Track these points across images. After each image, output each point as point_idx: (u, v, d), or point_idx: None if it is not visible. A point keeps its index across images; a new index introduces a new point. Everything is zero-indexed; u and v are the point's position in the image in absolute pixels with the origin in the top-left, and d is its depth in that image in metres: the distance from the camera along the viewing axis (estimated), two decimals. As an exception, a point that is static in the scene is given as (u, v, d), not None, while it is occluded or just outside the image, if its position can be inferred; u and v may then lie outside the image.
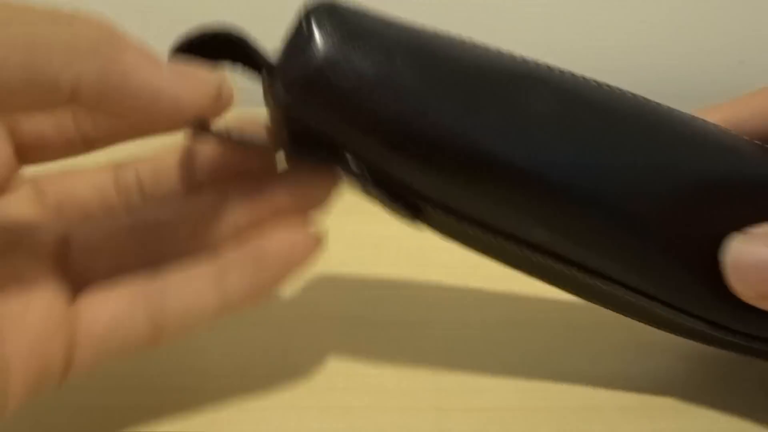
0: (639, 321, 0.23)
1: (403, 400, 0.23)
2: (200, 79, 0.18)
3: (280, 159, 0.22)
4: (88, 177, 0.22)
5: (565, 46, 0.50)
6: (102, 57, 0.16)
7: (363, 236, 0.31)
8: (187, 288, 0.20)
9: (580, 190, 0.20)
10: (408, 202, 0.21)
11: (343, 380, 0.24)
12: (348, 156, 0.20)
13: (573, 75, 0.21)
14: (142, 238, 0.21)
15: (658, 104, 0.22)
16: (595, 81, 0.22)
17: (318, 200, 0.21)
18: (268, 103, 0.21)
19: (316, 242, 0.21)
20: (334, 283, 0.29)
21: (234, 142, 0.21)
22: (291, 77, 0.19)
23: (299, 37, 0.20)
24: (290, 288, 0.29)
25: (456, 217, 0.21)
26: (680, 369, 0.25)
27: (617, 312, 0.23)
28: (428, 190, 0.21)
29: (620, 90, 0.22)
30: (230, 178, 0.22)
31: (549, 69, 0.21)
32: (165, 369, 0.24)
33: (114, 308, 0.19)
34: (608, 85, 0.22)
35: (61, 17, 0.16)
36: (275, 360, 0.25)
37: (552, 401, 0.24)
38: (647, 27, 0.50)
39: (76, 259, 0.20)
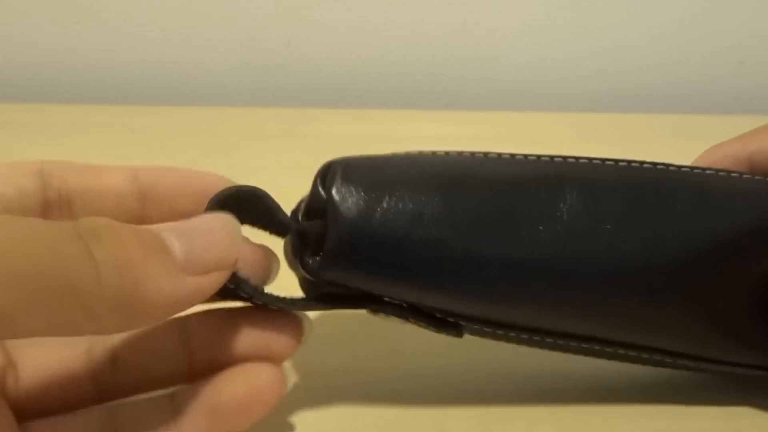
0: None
1: (403, 401, 0.23)
2: (221, 257, 0.17)
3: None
4: (12, 176, 0.19)
5: (565, 46, 0.50)
6: (124, 309, 0.15)
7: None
8: None
9: (622, 280, 0.20)
10: (449, 323, 0.21)
11: (343, 380, 0.24)
12: (384, 298, 0.21)
13: (589, 162, 0.21)
14: (95, 367, 0.19)
15: (677, 169, 0.22)
16: (611, 161, 0.21)
17: (283, 353, 0.20)
18: (293, 265, 0.21)
19: (279, 386, 0.20)
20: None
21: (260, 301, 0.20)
22: (321, 246, 0.19)
23: (320, 202, 0.19)
24: (290, 288, 0.29)
25: (498, 327, 0.21)
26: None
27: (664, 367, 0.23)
28: (470, 312, 0.21)
29: (639, 165, 0.22)
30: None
31: (564, 162, 0.21)
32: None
33: None
34: (626, 161, 0.22)
35: (87, 262, 0.14)
36: (275, 360, 0.25)
37: (552, 401, 0.24)
38: (647, 27, 0.50)
39: (25, 388, 0.19)
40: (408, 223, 0.19)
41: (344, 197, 0.19)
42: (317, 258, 0.19)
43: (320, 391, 0.24)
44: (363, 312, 0.27)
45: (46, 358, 0.19)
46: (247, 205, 0.20)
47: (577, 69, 0.51)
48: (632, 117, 0.47)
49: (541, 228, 0.20)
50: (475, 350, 0.26)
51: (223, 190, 0.19)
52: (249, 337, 0.20)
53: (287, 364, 0.25)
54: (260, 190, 0.20)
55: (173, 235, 0.16)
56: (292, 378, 0.24)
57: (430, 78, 0.50)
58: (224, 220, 0.18)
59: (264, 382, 0.19)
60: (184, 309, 0.17)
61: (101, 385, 0.19)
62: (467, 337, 0.26)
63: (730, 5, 0.49)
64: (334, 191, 0.19)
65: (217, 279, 0.17)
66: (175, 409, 0.19)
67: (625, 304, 0.21)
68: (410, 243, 0.19)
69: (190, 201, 0.20)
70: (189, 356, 0.20)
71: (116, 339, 0.20)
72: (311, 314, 0.21)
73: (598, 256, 0.20)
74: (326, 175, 0.20)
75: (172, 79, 0.49)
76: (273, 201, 0.20)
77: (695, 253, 0.21)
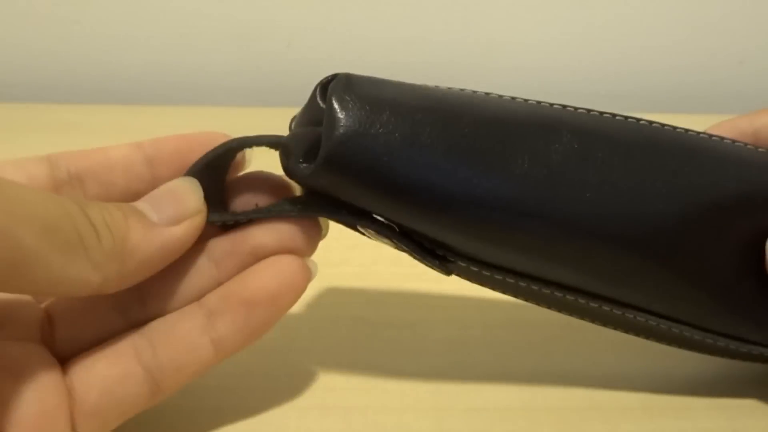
0: (669, 345, 0.24)
1: (403, 400, 0.23)
2: (187, 208, 0.20)
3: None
4: (21, 164, 0.20)
5: (565, 46, 0.50)
6: (120, 261, 0.18)
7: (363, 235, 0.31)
8: (178, 341, 0.20)
9: (608, 229, 0.20)
10: (437, 255, 0.21)
11: (343, 380, 0.24)
12: (375, 216, 0.21)
13: (587, 112, 0.21)
14: (122, 303, 0.20)
15: (671, 128, 0.22)
16: (609, 114, 0.22)
17: (304, 250, 0.21)
18: (288, 174, 0.21)
19: (306, 275, 0.21)
20: (334, 283, 0.29)
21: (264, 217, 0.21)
22: (315, 153, 0.19)
23: (317, 111, 0.20)
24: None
25: (485, 267, 0.21)
26: (680, 369, 0.25)
27: (648, 339, 0.23)
28: (457, 245, 0.21)
29: (635, 120, 0.22)
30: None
31: (563, 109, 0.21)
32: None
33: (106, 373, 0.19)
34: (622, 116, 0.22)
35: (88, 232, 0.17)
36: (275, 360, 0.25)
37: (552, 401, 0.24)
38: (648, 28, 0.50)
39: (60, 333, 0.20)
40: (403, 142, 0.19)
41: (344, 106, 0.19)
42: (311, 165, 0.20)
43: (321, 391, 0.24)
44: (363, 312, 0.27)
45: (75, 304, 0.20)
46: (231, 156, 0.21)
47: (577, 69, 0.51)
48: (632, 117, 0.47)
49: (532, 167, 0.20)
50: (475, 350, 0.26)
51: (196, 162, 0.21)
52: (271, 237, 0.20)
53: (285, 368, 0.25)
54: (232, 142, 0.21)
55: (142, 202, 0.19)
56: (293, 378, 0.24)
57: (429, 78, 0.50)
58: (181, 179, 0.20)
59: (292, 271, 0.20)
60: (173, 255, 0.19)
61: (131, 318, 0.20)
62: (467, 337, 0.26)
63: (730, 5, 0.49)
64: (334, 99, 0.19)
65: (191, 225, 0.19)
66: (206, 312, 0.20)
67: (610, 255, 0.21)
68: (403, 162, 0.19)
69: (197, 157, 0.21)
70: (215, 270, 0.21)
71: None
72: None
73: (586, 203, 0.20)
74: (328, 85, 0.20)
75: (172, 79, 0.49)
76: (251, 138, 0.21)
77: (683, 211, 0.21)
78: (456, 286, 0.29)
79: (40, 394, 0.18)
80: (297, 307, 0.27)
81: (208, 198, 0.20)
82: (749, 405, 0.24)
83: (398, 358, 0.25)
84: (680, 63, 0.51)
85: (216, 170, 0.21)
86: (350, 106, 0.19)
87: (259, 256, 0.20)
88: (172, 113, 0.45)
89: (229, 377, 0.24)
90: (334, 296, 0.28)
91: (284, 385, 0.24)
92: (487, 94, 0.21)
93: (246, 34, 0.48)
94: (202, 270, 0.21)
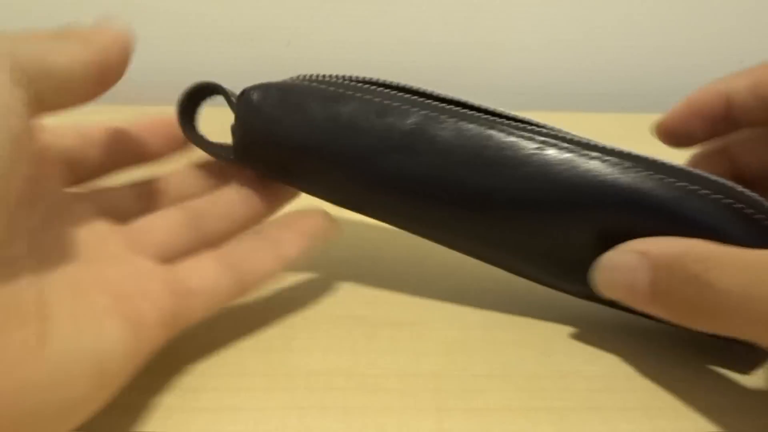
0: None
1: (403, 400, 0.23)
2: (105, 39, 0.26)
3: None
4: None
5: (565, 46, 0.50)
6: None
7: (363, 236, 0.31)
8: (255, 256, 0.26)
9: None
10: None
11: (343, 380, 0.24)
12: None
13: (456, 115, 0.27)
14: (191, 221, 0.26)
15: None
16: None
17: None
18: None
19: (332, 222, 0.27)
20: (334, 283, 0.29)
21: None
22: (241, 116, 0.28)
23: (242, 103, 0.28)
24: (290, 288, 0.29)
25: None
26: (681, 369, 0.25)
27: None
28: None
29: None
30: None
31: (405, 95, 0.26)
32: (165, 369, 0.24)
33: (206, 272, 0.24)
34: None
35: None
36: (275, 360, 0.25)
37: (552, 401, 0.24)
38: (647, 28, 0.50)
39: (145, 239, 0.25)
40: (282, 112, 0.26)
41: (249, 110, 0.27)
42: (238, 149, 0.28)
43: (321, 391, 0.24)
44: (363, 312, 0.27)
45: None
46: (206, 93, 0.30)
47: (577, 69, 0.51)
48: (632, 117, 0.47)
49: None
50: (475, 350, 0.26)
51: (187, 90, 0.30)
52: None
53: (285, 368, 0.25)
54: (212, 83, 0.30)
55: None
56: (293, 378, 0.24)
57: (429, 78, 0.50)
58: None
59: (324, 216, 0.27)
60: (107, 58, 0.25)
61: (202, 232, 0.27)
62: (467, 337, 0.26)
63: (730, 5, 0.49)
64: (250, 98, 0.27)
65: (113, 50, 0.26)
66: (271, 237, 0.26)
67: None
68: (284, 122, 0.26)
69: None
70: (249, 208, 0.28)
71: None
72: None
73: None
74: (243, 94, 0.27)
75: (172, 79, 0.49)
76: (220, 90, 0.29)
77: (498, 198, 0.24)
78: (456, 285, 0.29)
79: (157, 280, 0.23)
80: (297, 307, 0.28)
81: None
82: (749, 405, 0.24)
83: (398, 358, 0.25)
84: (680, 63, 0.51)
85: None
86: (255, 110, 0.27)
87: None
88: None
89: (229, 377, 0.24)
90: (334, 296, 0.28)
91: (284, 385, 0.24)
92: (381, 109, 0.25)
93: (246, 34, 0.48)
94: (247, 201, 0.28)
